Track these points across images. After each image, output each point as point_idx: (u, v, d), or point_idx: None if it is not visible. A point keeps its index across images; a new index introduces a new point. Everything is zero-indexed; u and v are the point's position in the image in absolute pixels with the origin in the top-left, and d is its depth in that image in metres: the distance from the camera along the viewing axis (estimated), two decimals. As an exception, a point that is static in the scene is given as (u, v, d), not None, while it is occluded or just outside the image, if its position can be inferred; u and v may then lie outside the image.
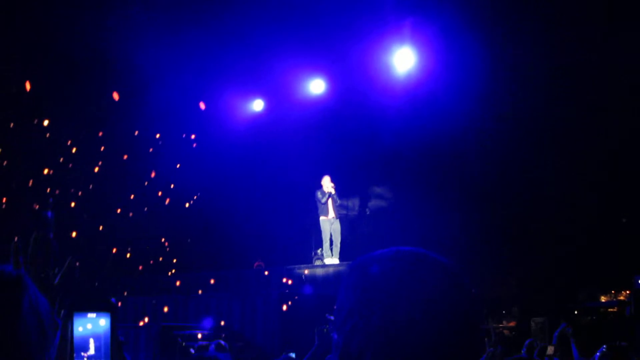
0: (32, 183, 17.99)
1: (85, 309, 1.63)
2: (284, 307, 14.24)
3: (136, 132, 19.07)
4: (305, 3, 15.85)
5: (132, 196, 19.09)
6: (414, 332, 1.45)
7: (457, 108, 16.15)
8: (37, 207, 17.77)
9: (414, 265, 1.53)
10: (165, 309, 16.00)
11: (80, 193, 18.54)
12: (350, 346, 1.51)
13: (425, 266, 1.54)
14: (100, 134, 18.92)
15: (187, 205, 19.05)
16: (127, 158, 19.01)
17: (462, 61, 15.86)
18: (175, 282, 17.87)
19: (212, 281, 16.96)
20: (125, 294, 17.30)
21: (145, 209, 18.86)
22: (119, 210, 18.87)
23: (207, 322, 15.16)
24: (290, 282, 16.34)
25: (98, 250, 18.41)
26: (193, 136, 19.65)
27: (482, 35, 15.43)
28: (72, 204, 18.35)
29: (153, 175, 19.29)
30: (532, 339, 10.56)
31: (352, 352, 1.50)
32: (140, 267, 18.68)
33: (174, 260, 18.83)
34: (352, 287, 1.56)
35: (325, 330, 6.14)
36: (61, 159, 18.79)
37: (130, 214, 19.15)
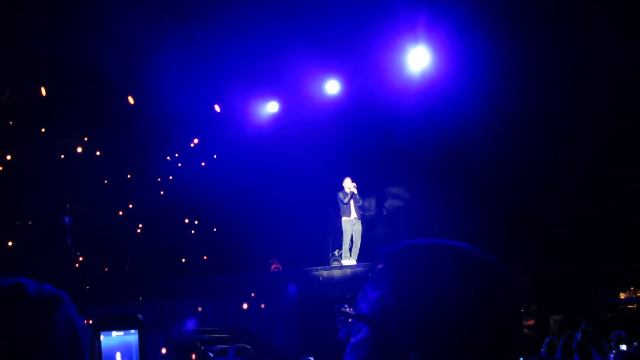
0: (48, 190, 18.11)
1: (112, 327, 1.64)
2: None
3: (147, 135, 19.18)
4: (319, 4, 15.84)
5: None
6: (462, 330, 1.42)
7: (472, 107, 16.09)
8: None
9: (454, 256, 1.50)
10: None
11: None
12: (388, 330, 1.44)
13: (466, 257, 1.50)
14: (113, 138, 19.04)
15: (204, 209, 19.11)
16: (143, 162, 19.10)
17: (477, 60, 15.81)
18: (193, 286, 17.92)
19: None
20: (141, 298, 17.35)
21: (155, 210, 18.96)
22: (129, 206, 18.92)
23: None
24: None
25: (114, 255, 18.51)
26: (196, 140, 19.69)
27: (497, 34, 15.37)
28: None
29: (171, 177, 19.39)
30: (552, 337, 10.44)
31: (392, 335, 1.44)
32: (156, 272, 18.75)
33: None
34: (387, 273, 1.51)
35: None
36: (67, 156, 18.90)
37: (146, 218, 19.24)
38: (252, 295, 16.45)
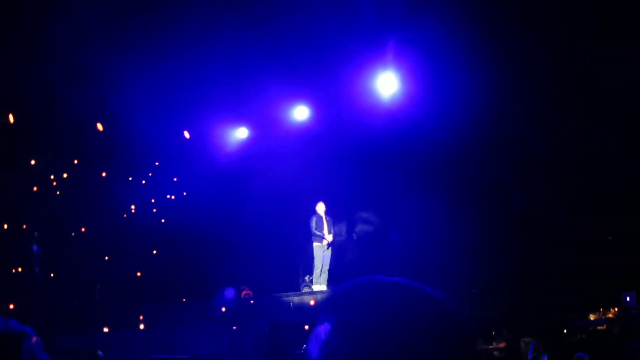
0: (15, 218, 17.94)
1: (73, 361, 1.64)
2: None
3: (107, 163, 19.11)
4: (288, 30, 15.91)
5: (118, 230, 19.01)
6: None
7: (442, 132, 16.21)
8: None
9: (397, 294, 1.51)
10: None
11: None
12: None
13: (409, 295, 1.51)
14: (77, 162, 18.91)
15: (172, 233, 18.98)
16: (111, 188, 18.97)
17: (446, 85, 15.95)
18: (163, 313, 17.75)
19: (223, 309, 16.82)
20: (107, 330, 17.13)
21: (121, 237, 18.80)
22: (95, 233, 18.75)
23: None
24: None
25: (83, 283, 18.32)
26: (158, 163, 19.58)
27: (465, 60, 15.52)
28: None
29: (133, 208, 19.25)
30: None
31: None
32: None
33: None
34: (331, 317, 1.52)
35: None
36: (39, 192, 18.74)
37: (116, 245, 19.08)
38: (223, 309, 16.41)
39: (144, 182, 19.42)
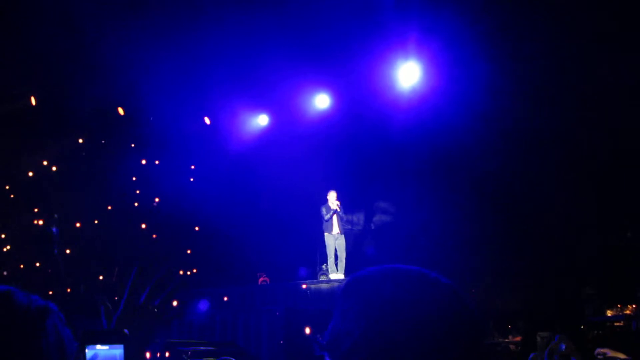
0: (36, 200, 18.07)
1: (97, 341, 1.65)
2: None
3: (133, 145, 19.15)
4: (311, 18, 15.88)
5: (143, 225, 19.08)
6: (415, 351, 1.46)
7: (462, 121, 16.14)
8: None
9: (412, 284, 1.56)
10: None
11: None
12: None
13: (424, 285, 1.56)
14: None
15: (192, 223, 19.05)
16: (129, 173, 19.05)
17: (467, 75, 15.86)
18: (181, 299, 17.86)
19: (225, 298, 16.90)
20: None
21: (144, 225, 18.86)
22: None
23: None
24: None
25: (102, 267, 18.42)
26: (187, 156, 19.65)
27: (487, 49, 15.43)
28: (78, 224, 18.40)
29: (157, 200, 19.32)
30: (537, 352, 10.45)
31: None
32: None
33: (195, 271, 18.84)
34: (348, 306, 1.57)
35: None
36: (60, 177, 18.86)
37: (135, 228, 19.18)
38: (225, 299, 16.46)
39: (157, 162, 19.42)
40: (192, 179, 19.29)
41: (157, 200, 19.29)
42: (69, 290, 17.96)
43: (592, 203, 15.78)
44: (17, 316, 1.67)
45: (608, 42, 14.28)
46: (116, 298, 17.81)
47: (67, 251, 18.18)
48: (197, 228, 19.02)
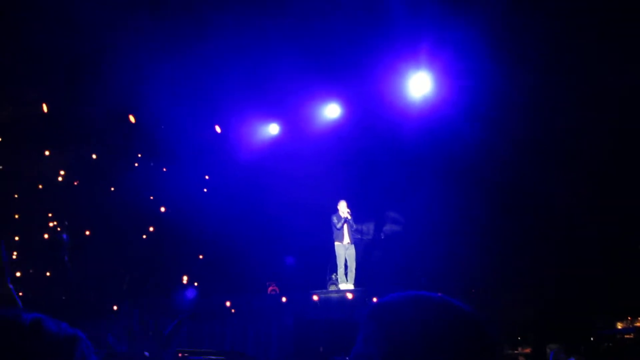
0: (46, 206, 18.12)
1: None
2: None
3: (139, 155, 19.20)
4: (322, 28, 15.90)
5: (151, 228, 19.12)
6: None
7: (473, 132, 16.15)
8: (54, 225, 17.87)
9: (435, 311, 1.57)
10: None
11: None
12: None
13: (446, 313, 1.58)
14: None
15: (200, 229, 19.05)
16: (140, 181, 19.09)
17: (478, 86, 15.86)
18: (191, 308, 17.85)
19: (228, 303, 16.86)
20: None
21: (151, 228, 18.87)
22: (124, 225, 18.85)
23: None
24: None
25: (114, 275, 18.45)
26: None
27: (498, 60, 15.42)
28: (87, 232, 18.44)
29: (163, 210, 19.34)
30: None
31: None
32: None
33: (195, 284, 18.84)
34: (370, 331, 1.59)
35: None
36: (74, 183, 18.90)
37: (144, 236, 19.21)
38: (232, 310, 16.45)
39: (164, 169, 19.46)
40: (205, 190, 19.32)
41: (163, 209, 19.33)
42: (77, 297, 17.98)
43: (604, 215, 15.74)
44: (47, 344, 1.65)
45: (622, 52, 14.28)
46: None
47: (77, 258, 18.23)
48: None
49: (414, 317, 1.56)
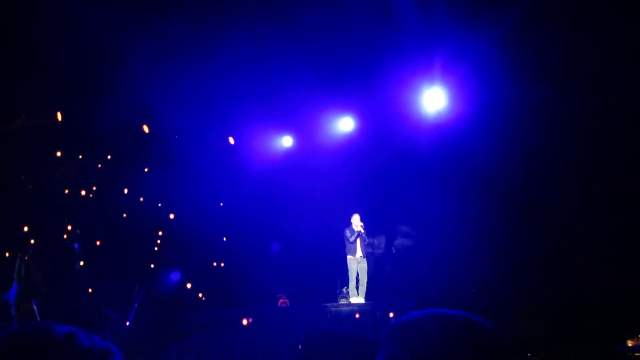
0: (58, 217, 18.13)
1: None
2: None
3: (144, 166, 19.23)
4: (337, 42, 15.95)
5: (160, 232, 19.12)
6: None
7: (487, 147, 16.14)
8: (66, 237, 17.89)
9: (457, 328, 1.59)
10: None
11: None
12: None
13: (468, 330, 1.59)
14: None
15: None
16: (153, 191, 19.11)
17: (493, 100, 15.88)
18: (200, 318, 17.83)
19: (244, 321, 16.82)
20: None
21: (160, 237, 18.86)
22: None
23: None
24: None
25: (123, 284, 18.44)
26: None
27: (513, 76, 15.44)
28: (98, 243, 18.45)
29: (172, 216, 19.35)
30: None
31: None
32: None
33: (200, 296, 18.82)
34: (393, 350, 1.60)
35: None
36: (83, 192, 18.93)
37: (156, 248, 19.21)
38: (246, 322, 16.41)
39: (181, 180, 19.48)
40: (221, 204, 19.35)
41: (172, 216, 19.35)
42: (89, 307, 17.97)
43: (615, 230, 15.71)
44: (81, 358, 1.66)
45: (635, 66, 14.30)
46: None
47: (88, 267, 18.23)
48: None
49: (439, 336, 1.57)
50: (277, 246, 18.31)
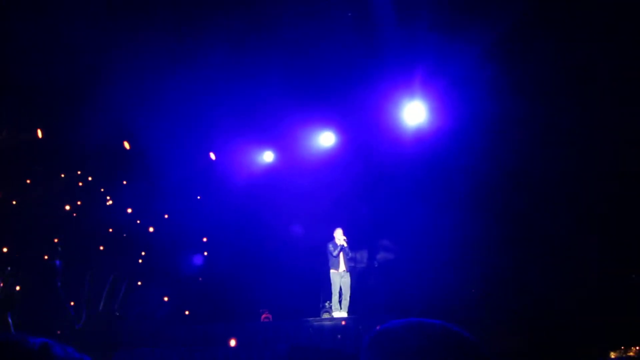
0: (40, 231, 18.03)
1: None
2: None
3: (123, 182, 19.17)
4: (317, 57, 15.98)
5: (142, 253, 19.05)
6: None
7: (468, 162, 16.20)
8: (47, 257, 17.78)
9: (436, 337, 1.59)
10: None
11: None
12: None
13: (447, 339, 1.60)
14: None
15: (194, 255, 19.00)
16: (137, 207, 19.05)
17: (472, 115, 15.95)
18: (182, 334, 17.74)
19: (232, 342, 16.74)
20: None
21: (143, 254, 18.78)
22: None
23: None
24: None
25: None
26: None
27: (493, 90, 15.52)
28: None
29: (151, 230, 19.27)
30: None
31: None
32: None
33: (186, 312, 18.74)
34: (372, 355, 1.60)
35: None
36: (67, 207, 18.83)
37: (140, 261, 19.14)
38: (234, 342, 16.32)
39: (162, 196, 19.44)
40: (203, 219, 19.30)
41: (151, 229, 19.28)
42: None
43: (598, 244, 15.77)
44: None
45: (620, 83, 14.41)
46: None
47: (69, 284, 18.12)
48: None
49: (415, 344, 1.58)
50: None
